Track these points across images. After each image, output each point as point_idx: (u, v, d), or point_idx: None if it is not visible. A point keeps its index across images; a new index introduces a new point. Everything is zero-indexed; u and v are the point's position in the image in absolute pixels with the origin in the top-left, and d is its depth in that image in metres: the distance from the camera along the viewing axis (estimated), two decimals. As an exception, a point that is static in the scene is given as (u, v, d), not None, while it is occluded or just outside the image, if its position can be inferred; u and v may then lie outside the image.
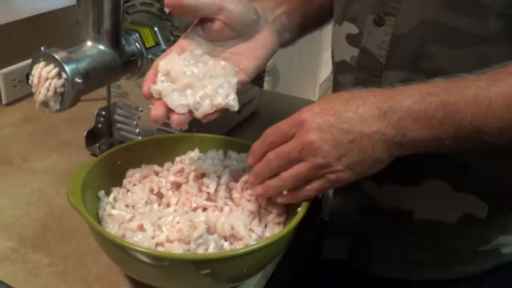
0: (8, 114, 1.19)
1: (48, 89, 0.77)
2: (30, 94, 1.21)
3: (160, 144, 0.81)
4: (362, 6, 0.75)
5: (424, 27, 0.68)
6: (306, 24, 0.85)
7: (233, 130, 1.07)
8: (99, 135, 1.02)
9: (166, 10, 0.68)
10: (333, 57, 0.84)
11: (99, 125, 1.02)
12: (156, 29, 0.90)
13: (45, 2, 1.38)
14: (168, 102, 0.64)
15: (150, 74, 0.68)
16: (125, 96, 0.98)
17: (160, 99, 0.65)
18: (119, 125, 1.01)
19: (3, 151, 1.03)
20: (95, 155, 0.99)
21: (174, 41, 0.89)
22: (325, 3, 0.87)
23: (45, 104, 0.78)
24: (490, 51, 0.65)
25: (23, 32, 1.26)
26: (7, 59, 1.23)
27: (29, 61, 1.21)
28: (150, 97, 0.66)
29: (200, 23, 0.71)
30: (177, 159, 0.78)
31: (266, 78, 1.97)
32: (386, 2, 0.71)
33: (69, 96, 0.77)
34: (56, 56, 0.76)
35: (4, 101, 1.22)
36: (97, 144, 1.00)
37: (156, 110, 0.65)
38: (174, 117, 0.64)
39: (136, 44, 0.87)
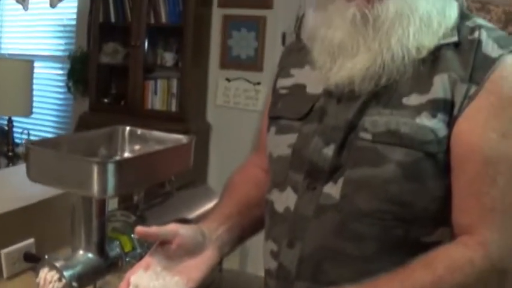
0: (8, 288, 1.42)
1: (51, 291, 1.02)
2: (26, 270, 1.45)
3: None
4: (280, 231, 0.99)
5: (321, 251, 0.93)
6: (244, 235, 1.08)
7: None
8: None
9: (135, 236, 0.95)
10: (263, 264, 1.06)
11: (87, 306, 1.25)
12: (133, 236, 1.15)
13: (38, 192, 1.64)
14: None
15: (122, 286, 0.93)
16: (108, 284, 1.23)
17: None
18: (102, 306, 1.25)
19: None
20: (82, 332, 1.21)
21: (147, 247, 1.13)
22: (261, 216, 1.08)
23: (48, 301, 1.03)
24: (369, 267, 0.90)
25: (19, 218, 1.49)
26: (8, 239, 1.46)
27: (25, 242, 1.45)
28: None
29: (160, 245, 0.96)
30: None
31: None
32: (296, 230, 0.95)
33: (67, 296, 1.03)
34: (57, 265, 1.02)
35: (5, 276, 1.46)
36: (84, 324, 1.23)
37: None
38: None
39: (117, 249, 1.14)
